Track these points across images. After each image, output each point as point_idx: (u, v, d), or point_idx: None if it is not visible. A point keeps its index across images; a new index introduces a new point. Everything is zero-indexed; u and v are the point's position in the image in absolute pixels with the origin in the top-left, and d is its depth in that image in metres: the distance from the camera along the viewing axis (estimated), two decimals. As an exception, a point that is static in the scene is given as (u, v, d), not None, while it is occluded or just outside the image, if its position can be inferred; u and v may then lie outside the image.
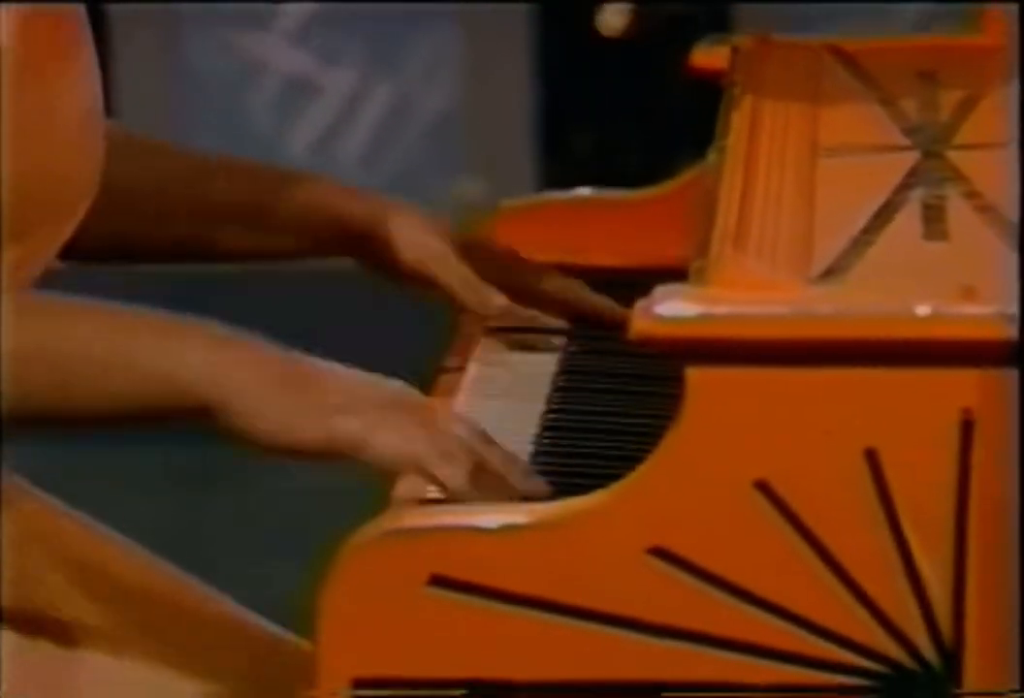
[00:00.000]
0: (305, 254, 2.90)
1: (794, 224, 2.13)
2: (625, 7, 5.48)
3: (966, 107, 2.15)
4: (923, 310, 1.91)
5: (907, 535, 1.92)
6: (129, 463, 5.54)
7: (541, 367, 2.57)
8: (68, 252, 2.60)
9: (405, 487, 2.14)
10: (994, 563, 1.93)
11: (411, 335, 3.79)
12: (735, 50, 2.59)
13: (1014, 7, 1.93)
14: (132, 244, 2.84)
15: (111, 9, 5.71)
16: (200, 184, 2.81)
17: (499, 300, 2.66)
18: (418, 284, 2.78)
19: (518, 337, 2.84)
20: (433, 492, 2.14)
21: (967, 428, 1.90)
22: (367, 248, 2.75)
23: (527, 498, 2.08)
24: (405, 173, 5.29)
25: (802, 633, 1.94)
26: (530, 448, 2.26)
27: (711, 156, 2.53)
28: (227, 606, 2.66)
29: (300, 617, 2.11)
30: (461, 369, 2.69)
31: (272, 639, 2.63)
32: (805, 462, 1.94)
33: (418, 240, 2.70)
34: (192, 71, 5.48)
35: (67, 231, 2.54)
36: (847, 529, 1.94)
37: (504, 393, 2.56)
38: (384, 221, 2.73)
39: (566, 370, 2.51)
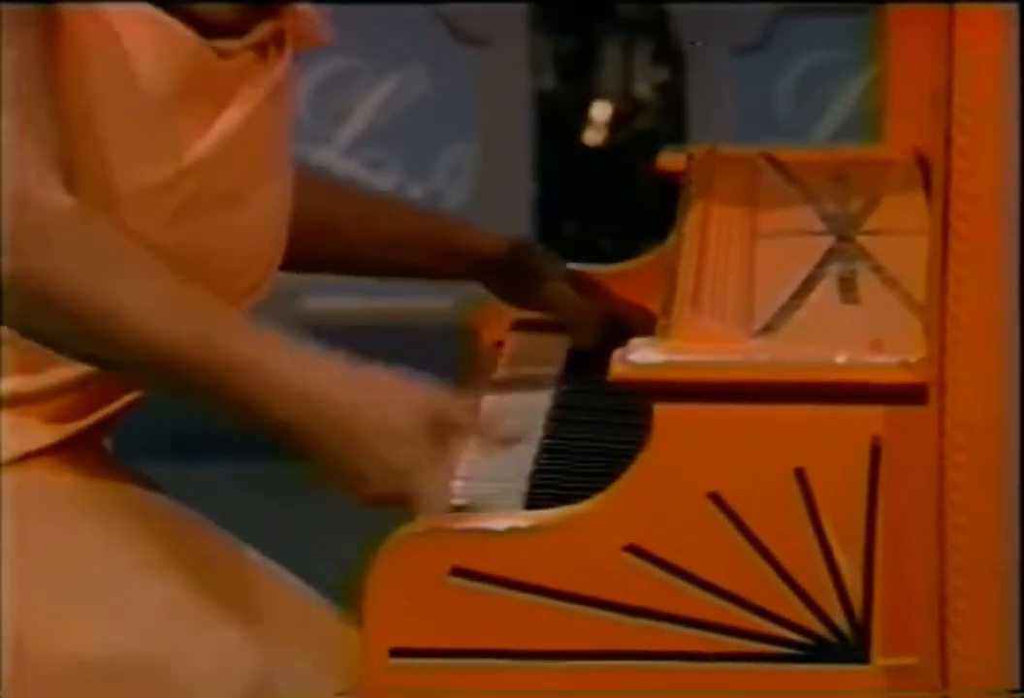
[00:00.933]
0: (443, 278, 2.76)
1: (738, 291, 2.11)
2: (604, 124, 5.39)
3: (871, 202, 2.09)
4: (840, 359, 1.91)
5: (828, 534, 1.90)
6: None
7: (539, 402, 2.46)
8: None
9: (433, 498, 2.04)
10: (896, 556, 1.89)
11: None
12: (690, 157, 2.51)
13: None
14: (315, 263, 2.63)
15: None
16: (376, 219, 2.65)
17: (593, 340, 2.55)
18: (539, 311, 2.68)
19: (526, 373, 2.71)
20: (456, 500, 2.06)
21: (876, 452, 1.90)
22: (502, 280, 2.63)
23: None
24: None
25: (744, 612, 1.91)
26: (532, 467, 2.17)
27: (671, 239, 2.50)
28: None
29: (350, 600, 2.04)
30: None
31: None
32: (748, 479, 1.91)
33: (548, 282, 2.56)
34: None
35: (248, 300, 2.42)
36: (780, 531, 1.90)
37: (502, 402, 2.46)
38: (522, 261, 2.62)
39: (558, 405, 2.41)
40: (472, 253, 2.76)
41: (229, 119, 2.29)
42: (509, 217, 5.32)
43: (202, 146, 2.25)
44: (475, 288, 2.98)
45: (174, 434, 4.51)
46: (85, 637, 2.18)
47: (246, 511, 3.63)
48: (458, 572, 1.93)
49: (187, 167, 2.25)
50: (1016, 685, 1.93)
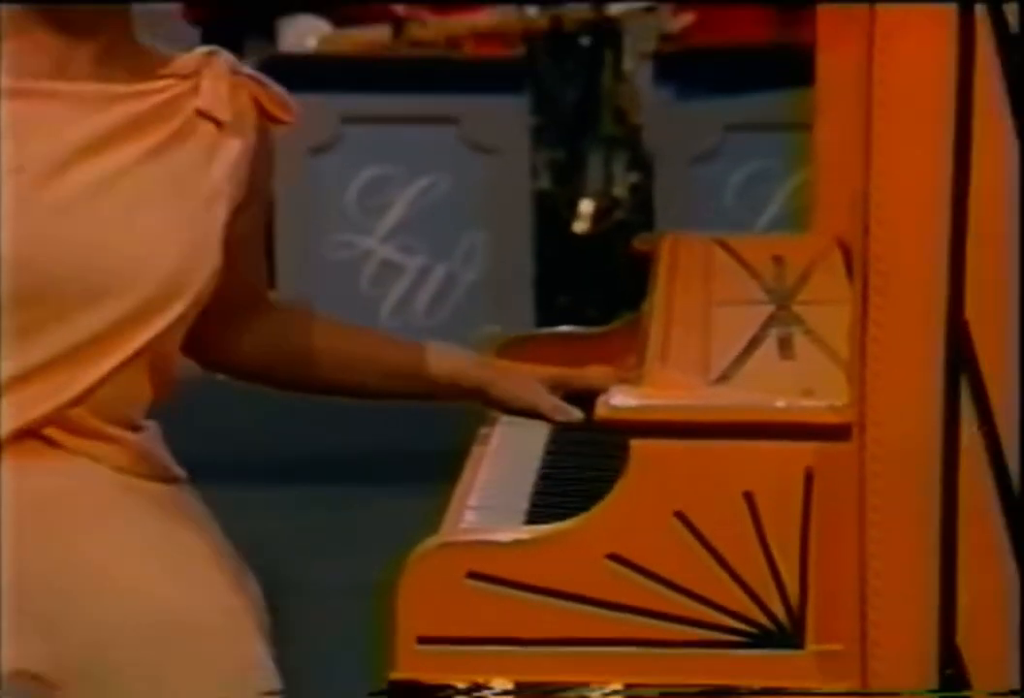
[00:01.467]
0: (429, 399, 2.55)
1: (697, 349, 2.11)
2: (589, 216, 5.51)
3: (803, 279, 2.11)
4: (780, 403, 1.95)
5: (771, 545, 1.91)
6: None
7: (538, 438, 2.47)
8: (232, 371, 2.39)
9: (449, 518, 2.11)
10: (825, 562, 1.91)
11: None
12: (659, 241, 2.49)
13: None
14: (293, 383, 2.46)
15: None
16: (359, 347, 2.42)
17: (577, 414, 2.37)
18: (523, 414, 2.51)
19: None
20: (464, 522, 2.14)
21: (809, 479, 1.91)
22: (483, 398, 2.44)
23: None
24: (454, 319, 5.24)
25: (704, 607, 1.92)
26: (532, 489, 2.22)
27: (644, 307, 2.51)
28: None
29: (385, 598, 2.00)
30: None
31: None
32: (707, 500, 1.93)
33: (518, 394, 2.38)
34: (322, 259, 5.46)
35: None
36: (733, 542, 1.92)
37: (514, 455, 2.44)
38: (493, 383, 2.39)
39: (553, 440, 2.42)
40: (454, 379, 2.46)
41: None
42: (513, 291, 5.42)
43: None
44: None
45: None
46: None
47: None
48: (473, 575, 1.94)
49: None
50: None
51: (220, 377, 2.45)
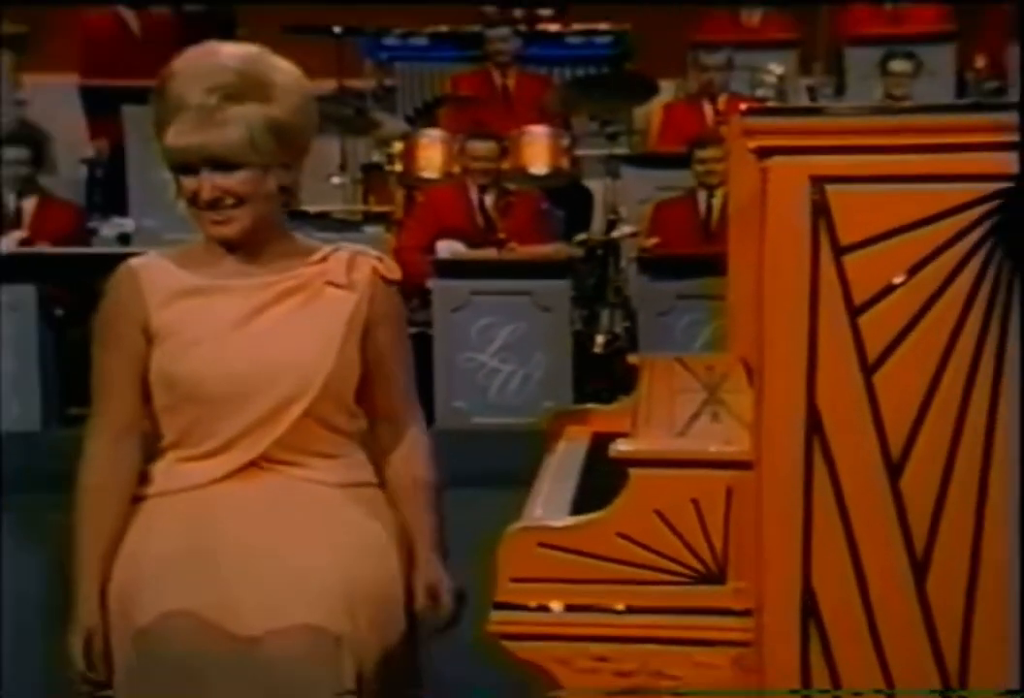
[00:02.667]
0: None
1: (665, 417, 2.18)
2: (601, 345, 5.95)
3: (723, 378, 2.20)
4: (713, 448, 2.06)
5: (708, 527, 2.01)
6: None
7: (578, 456, 2.50)
8: None
9: (528, 515, 2.15)
10: (737, 534, 2.00)
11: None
12: (643, 359, 2.58)
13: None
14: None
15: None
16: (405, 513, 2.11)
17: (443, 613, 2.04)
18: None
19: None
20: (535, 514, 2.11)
21: (729, 491, 2.01)
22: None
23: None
24: (528, 400, 5.60)
25: (669, 563, 2.02)
26: (572, 496, 2.23)
27: (634, 395, 2.56)
28: None
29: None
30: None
31: None
32: (672, 503, 2.01)
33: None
34: (459, 367, 5.75)
35: None
36: (686, 527, 2.01)
37: (559, 469, 2.43)
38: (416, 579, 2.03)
39: (584, 467, 2.42)
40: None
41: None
42: (560, 385, 5.58)
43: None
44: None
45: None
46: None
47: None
48: (540, 544, 2.01)
49: None
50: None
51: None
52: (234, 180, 1.92)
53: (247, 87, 1.90)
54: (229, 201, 1.93)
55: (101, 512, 2.00)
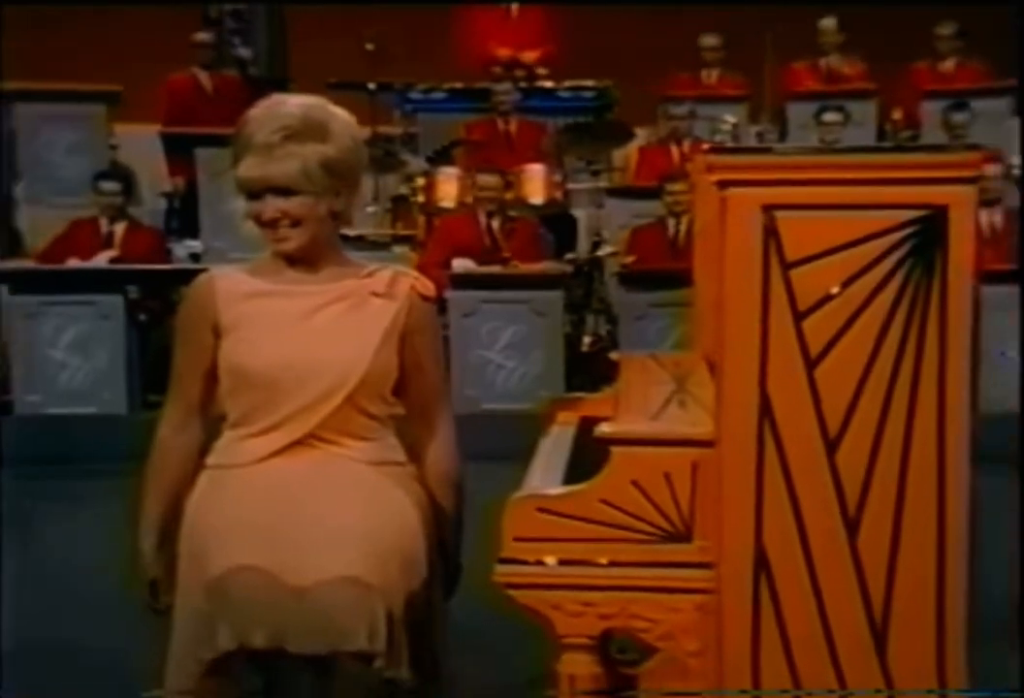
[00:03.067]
0: None
1: (641, 404, 2.11)
2: (588, 344, 5.87)
3: (689, 372, 2.10)
4: (681, 429, 2.01)
5: (677, 496, 1.97)
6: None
7: (569, 436, 2.42)
8: None
9: (527, 485, 2.08)
10: (701, 501, 1.96)
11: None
12: (622, 357, 2.44)
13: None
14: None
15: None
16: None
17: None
18: None
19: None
20: (533, 484, 2.05)
21: (695, 466, 1.96)
22: None
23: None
24: (527, 390, 5.55)
25: (642, 524, 1.97)
26: (564, 468, 2.17)
27: (615, 385, 2.48)
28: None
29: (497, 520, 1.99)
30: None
31: None
32: (648, 476, 1.97)
33: None
34: (469, 363, 5.69)
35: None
36: (659, 496, 1.97)
37: (553, 447, 2.38)
38: None
39: (573, 445, 2.36)
40: None
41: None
42: (554, 378, 5.51)
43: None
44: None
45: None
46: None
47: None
48: (538, 509, 1.97)
49: None
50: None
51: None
52: (290, 204, 1.95)
53: (307, 129, 1.93)
54: (286, 222, 1.96)
55: (164, 480, 2.02)
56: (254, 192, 1.95)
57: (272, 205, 1.95)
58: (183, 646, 1.91)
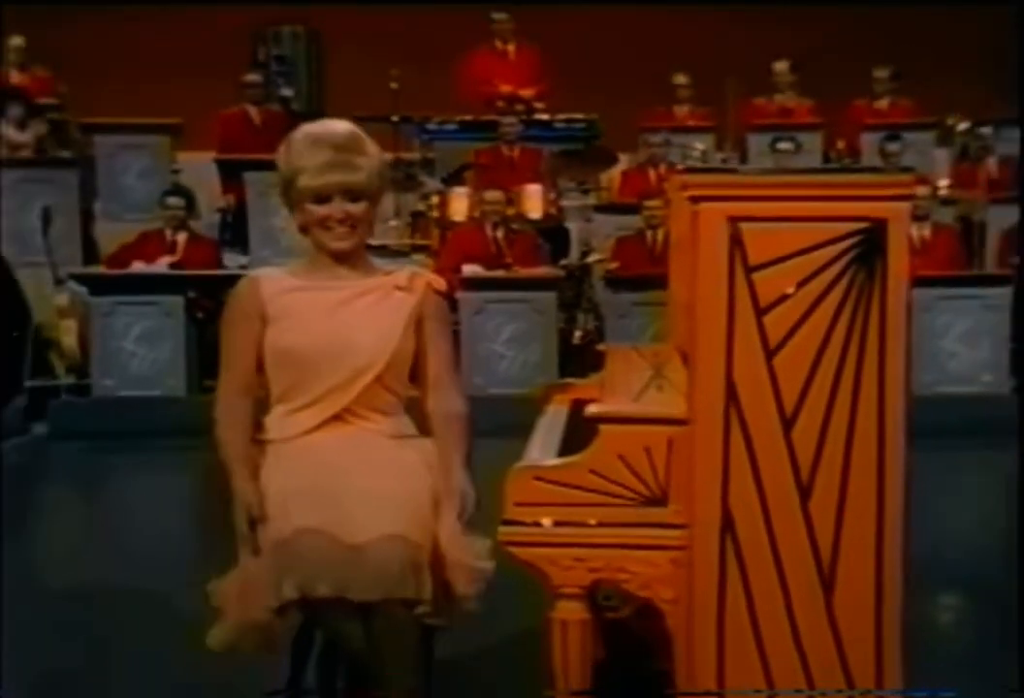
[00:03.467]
0: None
1: (625, 388, 2.06)
2: (579, 337, 5.75)
3: (666, 361, 2.10)
4: (657, 409, 1.97)
5: (656, 467, 1.92)
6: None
7: (562, 415, 2.34)
8: None
9: (527, 457, 2.02)
10: (674, 470, 1.91)
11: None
12: (608, 348, 2.47)
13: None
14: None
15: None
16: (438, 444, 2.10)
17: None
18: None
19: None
20: (532, 456, 2.00)
21: (671, 442, 1.92)
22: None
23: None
24: (528, 377, 5.46)
25: (622, 489, 1.93)
26: (559, 443, 2.11)
27: (602, 372, 2.47)
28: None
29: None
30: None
31: None
32: (630, 450, 1.93)
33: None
34: (479, 354, 5.55)
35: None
36: (639, 467, 1.92)
37: (549, 425, 2.30)
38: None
39: (567, 423, 2.29)
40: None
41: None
42: (549, 366, 5.47)
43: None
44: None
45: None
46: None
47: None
48: (535, 478, 1.92)
49: None
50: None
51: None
52: (357, 207, 1.98)
53: (355, 145, 1.96)
54: (348, 223, 1.98)
55: (234, 437, 2.00)
56: (323, 197, 1.95)
57: (342, 208, 1.96)
58: (250, 596, 1.88)
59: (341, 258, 2.02)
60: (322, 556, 1.82)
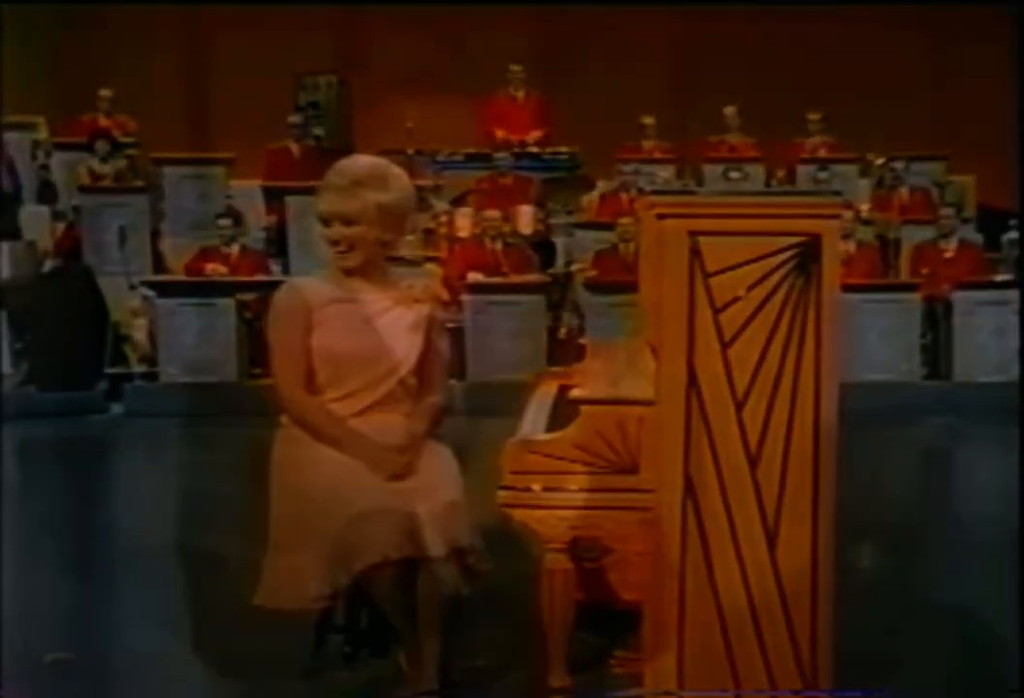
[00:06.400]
0: None
1: (605, 374, 2.03)
2: (565, 333, 5.70)
3: (638, 355, 1.99)
4: (630, 392, 1.90)
5: (628, 439, 1.88)
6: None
7: (550, 398, 2.28)
8: None
9: (520, 433, 1.96)
10: (644, 445, 1.85)
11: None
12: (591, 342, 2.43)
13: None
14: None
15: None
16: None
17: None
18: None
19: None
20: (524, 431, 1.94)
21: (641, 420, 1.88)
22: None
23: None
24: (518, 366, 5.38)
25: (600, 461, 1.88)
26: (546, 420, 2.05)
27: (584, 362, 2.37)
28: None
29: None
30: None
31: None
32: (606, 427, 1.88)
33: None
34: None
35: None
36: (613, 445, 1.86)
37: (539, 406, 2.23)
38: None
39: (552, 405, 2.21)
40: None
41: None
42: (539, 356, 5.33)
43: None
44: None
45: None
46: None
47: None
48: (529, 451, 1.88)
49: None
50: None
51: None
52: (350, 231, 1.97)
53: (371, 180, 1.94)
54: (345, 244, 1.97)
55: (327, 417, 1.96)
56: (326, 220, 1.97)
57: (337, 231, 1.97)
58: (321, 566, 1.84)
59: (350, 273, 2.00)
60: (398, 522, 1.81)
